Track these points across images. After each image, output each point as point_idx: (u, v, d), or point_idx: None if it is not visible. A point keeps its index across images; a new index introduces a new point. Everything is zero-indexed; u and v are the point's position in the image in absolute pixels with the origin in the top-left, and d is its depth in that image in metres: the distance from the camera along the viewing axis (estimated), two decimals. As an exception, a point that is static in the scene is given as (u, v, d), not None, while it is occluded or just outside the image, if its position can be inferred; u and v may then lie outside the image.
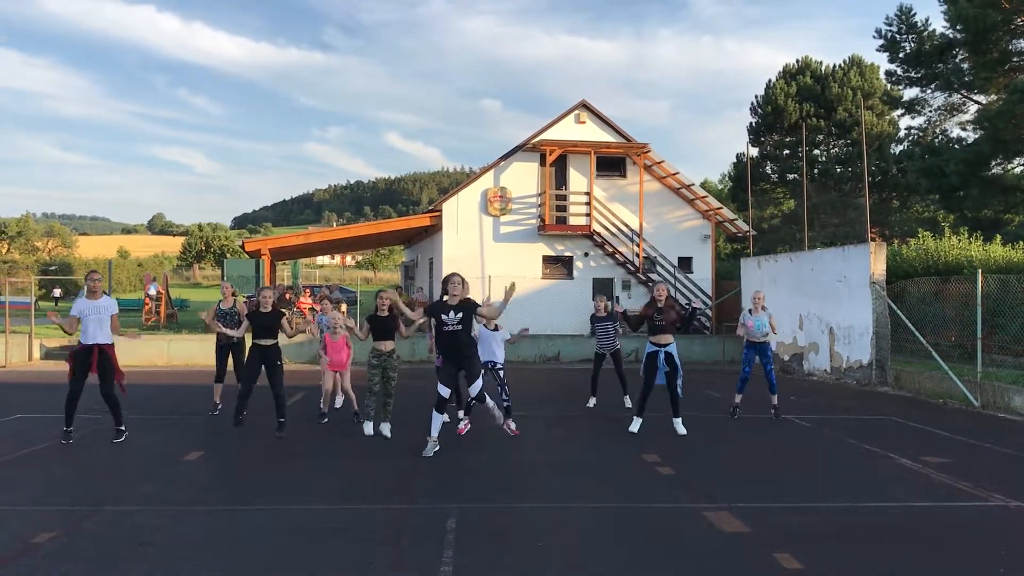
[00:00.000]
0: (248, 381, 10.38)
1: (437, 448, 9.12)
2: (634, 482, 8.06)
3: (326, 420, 11.43)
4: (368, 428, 10.33)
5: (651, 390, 10.60)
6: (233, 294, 12.13)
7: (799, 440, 10.61)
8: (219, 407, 11.98)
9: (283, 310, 10.73)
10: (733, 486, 7.87)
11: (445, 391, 9.01)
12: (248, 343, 10.71)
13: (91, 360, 9.57)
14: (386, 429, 10.27)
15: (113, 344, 9.80)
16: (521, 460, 9.02)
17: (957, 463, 8.98)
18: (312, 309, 25.09)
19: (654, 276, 25.59)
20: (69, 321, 9.72)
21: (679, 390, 10.63)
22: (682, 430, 10.57)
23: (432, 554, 5.65)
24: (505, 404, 10.35)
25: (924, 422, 12.04)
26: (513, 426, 10.36)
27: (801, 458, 9.45)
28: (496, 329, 10.68)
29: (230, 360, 12.14)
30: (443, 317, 8.87)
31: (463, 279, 9.15)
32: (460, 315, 8.83)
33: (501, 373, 10.61)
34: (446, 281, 9.01)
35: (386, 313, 10.30)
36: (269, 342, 10.32)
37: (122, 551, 5.70)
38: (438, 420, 9.10)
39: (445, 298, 8.96)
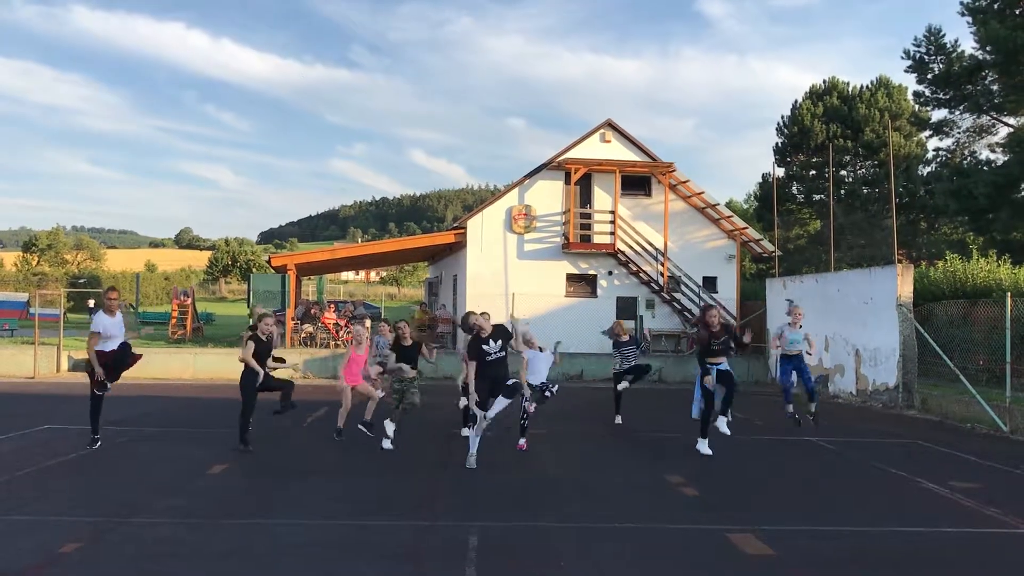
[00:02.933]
0: (248, 407, 10.32)
1: (474, 466, 9.32)
2: (658, 503, 8.03)
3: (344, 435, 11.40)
4: (387, 444, 10.51)
5: (712, 409, 10.75)
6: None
7: (824, 463, 10.52)
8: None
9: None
10: (757, 508, 7.82)
11: (480, 412, 9.29)
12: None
13: (112, 355, 10.04)
14: (390, 429, 10.56)
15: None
16: (543, 479, 9.00)
17: (985, 489, 8.85)
18: (337, 324, 25.25)
19: (678, 295, 25.52)
20: (92, 338, 10.03)
21: (731, 396, 10.84)
22: (725, 430, 10.76)
23: (454, 572, 5.65)
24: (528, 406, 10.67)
25: (951, 447, 11.89)
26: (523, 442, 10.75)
27: (826, 481, 9.36)
28: (542, 350, 10.95)
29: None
30: (483, 348, 9.24)
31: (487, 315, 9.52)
32: (499, 343, 9.24)
33: (547, 393, 10.81)
34: (468, 317, 9.37)
35: (409, 342, 10.71)
36: (269, 368, 10.48)
37: (147, 562, 5.75)
38: (473, 439, 9.44)
39: (484, 335, 9.27)
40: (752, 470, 9.85)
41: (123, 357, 10.15)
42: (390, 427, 10.57)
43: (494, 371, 9.28)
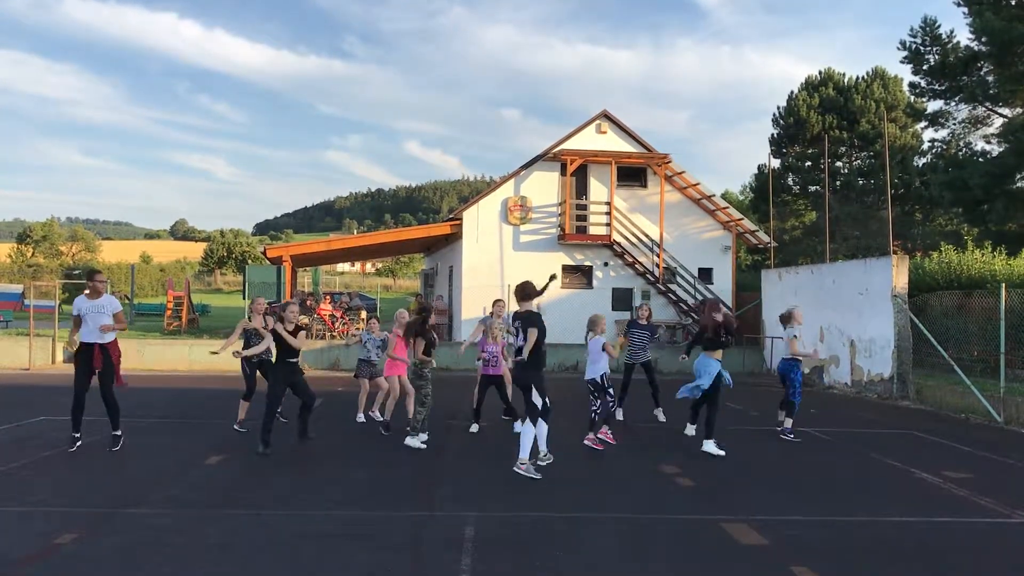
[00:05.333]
0: (275, 402, 9.83)
1: (550, 459, 9.00)
2: (653, 493, 8.05)
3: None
4: (415, 441, 10.12)
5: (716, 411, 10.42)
6: (267, 313, 11.37)
7: (819, 453, 10.55)
8: (244, 426, 11.11)
9: (301, 326, 10.27)
10: (752, 498, 7.85)
11: (538, 400, 8.70)
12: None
13: (92, 357, 9.41)
14: (415, 441, 10.20)
15: (116, 342, 9.61)
16: (540, 469, 9.01)
17: (979, 478, 8.90)
18: (333, 316, 25.23)
19: (674, 287, 25.54)
20: (74, 322, 9.53)
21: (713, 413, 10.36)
22: (713, 450, 10.08)
23: (450, 562, 5.67)
24: (594, 413, 10.63)
25: (946, 437, 11.94)
26: (608, 433, 10.67)
27: (821, 471, 9.39)
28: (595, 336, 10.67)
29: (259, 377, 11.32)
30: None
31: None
32: (519, 323, 8.85)
33: (600, 380, 10.67)
34: (526, 287, 9.01)
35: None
36: (295, 359, 9.91)
37: (142, 553, 5.75)
38: (542, 431, 8.87)
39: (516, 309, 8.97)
40: (747, 460, 9.87)
41: (103, 366, 9.49)
42: (414, 440, 10.13)
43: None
